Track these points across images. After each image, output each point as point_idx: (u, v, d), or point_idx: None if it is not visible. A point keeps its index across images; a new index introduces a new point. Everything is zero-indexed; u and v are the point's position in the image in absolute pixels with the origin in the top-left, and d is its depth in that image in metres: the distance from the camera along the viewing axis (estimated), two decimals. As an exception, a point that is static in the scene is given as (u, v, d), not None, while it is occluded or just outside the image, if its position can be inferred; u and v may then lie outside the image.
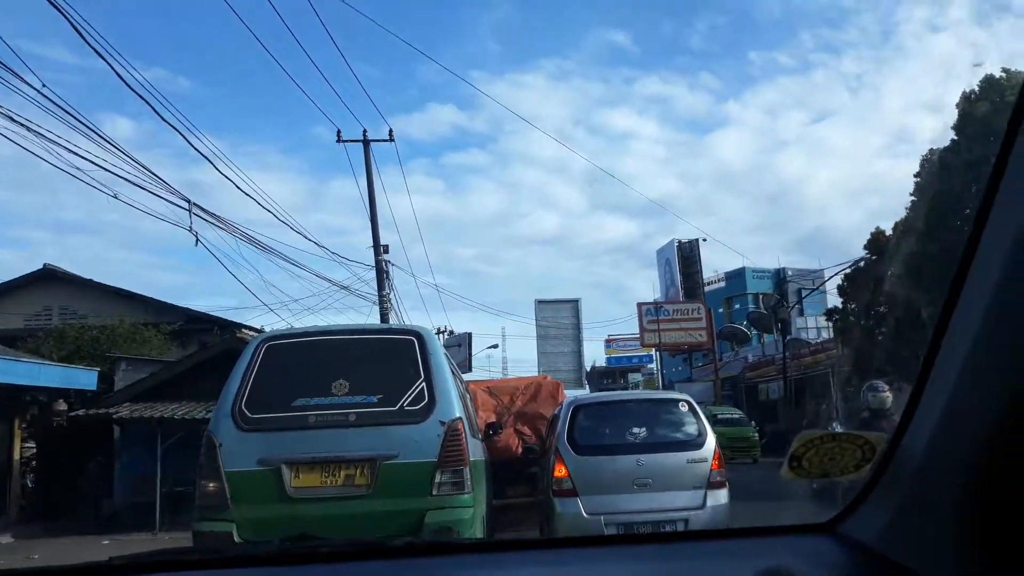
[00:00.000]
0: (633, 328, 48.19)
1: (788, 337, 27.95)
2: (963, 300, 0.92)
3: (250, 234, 18.95)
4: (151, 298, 23.90)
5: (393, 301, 24.25)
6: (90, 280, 24.28)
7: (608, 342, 52.48)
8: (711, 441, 7.29)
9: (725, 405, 32.63)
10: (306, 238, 22.15)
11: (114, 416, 14.35)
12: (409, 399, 5.40)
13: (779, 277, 49.03)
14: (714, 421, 27.67)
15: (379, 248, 23.71)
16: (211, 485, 5.16)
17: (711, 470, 7.01)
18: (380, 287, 23.55)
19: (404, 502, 5.15)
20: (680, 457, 7.09)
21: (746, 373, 39.65)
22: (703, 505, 6.87)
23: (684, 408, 7.64)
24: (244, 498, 5.14)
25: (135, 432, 15.72)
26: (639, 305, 39.53)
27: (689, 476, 6.98)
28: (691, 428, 7.45)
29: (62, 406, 16.67)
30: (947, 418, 0.97)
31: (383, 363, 5.59)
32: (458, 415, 5.45)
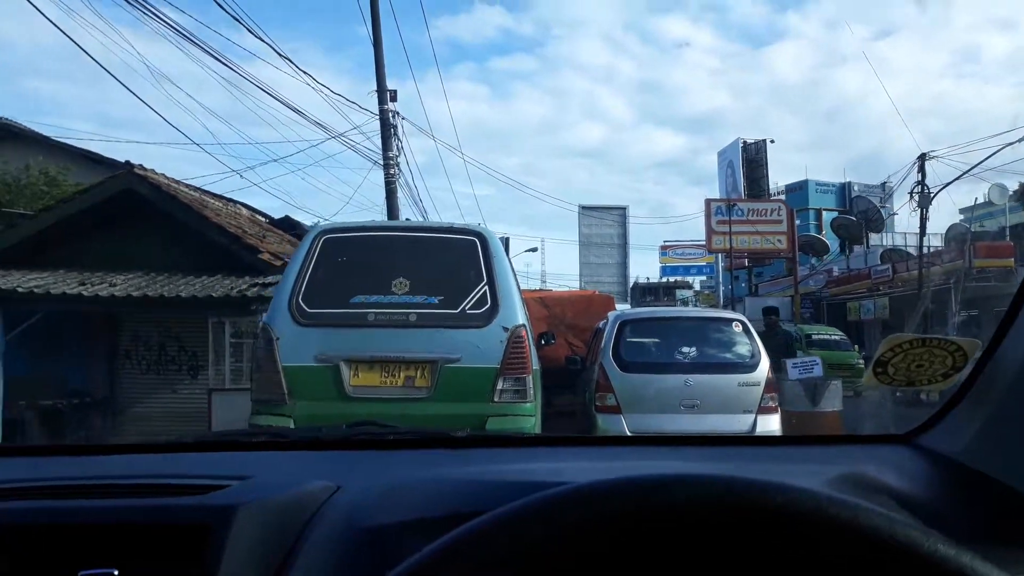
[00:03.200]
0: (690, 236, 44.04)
1: (947, 234, 22.03)
2: None
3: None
4: (119, 161, 18.49)
5: (404, 167, 18.60)
6: (49, 138, 18.93)
7: (664, 248, 46.57)
8: (764, 364, 6.97)
9: (815, 324, 26.80)
10: (298, 69, 16.45)
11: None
12: (471, 303, 5.31)
13: (844, 192, 45.99)
14: (808, 343, 22.45)
15: (384, 95, 17.83)
16: (268, 379, 5.08)
17: (763, 394, 6.72)
18: (385, 147, 17.78)
19: (465, 407, 5.00)
20: (731, 379, 6.84)
21: (827, 289, 34.13)
22: (752, 431, 6.57)
23: (738, 328, 7.36)
24: (302, 394, 5.04)
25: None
26: (707, 201, 32.92)
27: (740, 399, 6.71)
28: (744, 349, 7.16)
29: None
30: None
31: (444, 264, 5.49)
32: (522, 322, 5.35)
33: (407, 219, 17.62)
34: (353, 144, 17.11)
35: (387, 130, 17.85)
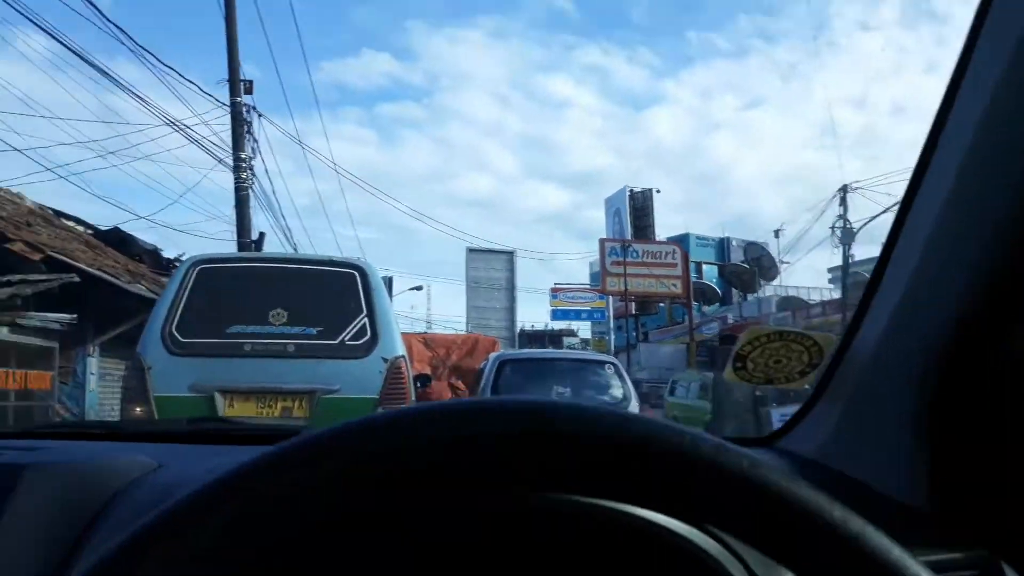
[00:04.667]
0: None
1: (850, 277, 20.97)
2: (920, 196, 0.89)
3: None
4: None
5: (259, 174, 15.66)
6: None
7: (554, 291, 44.80)
8: (634, 405, 7.19)
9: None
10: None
11: None
12: (350, 334, 5.30)
13: (722, 246, 47.67)
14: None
15: (237, 85, 14.90)
16: (138, 409, 5.01)
17: None
18: (236, 145, 14.79)
19: None
20: None
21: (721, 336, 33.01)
22: None
23: (610, 370, 7.67)
24: None
25: None
26: (602, 241, 31.38)
27: None
28: (616, 391, 7.39)
29: None
30: (898, 323, 0.94)
31: (323, 295, 5.46)
32: (401, 353, 5.42)
33: (256, 236, 14.73)
34: (191, 136, 13.93)
35: (239, 126, 14.89)
